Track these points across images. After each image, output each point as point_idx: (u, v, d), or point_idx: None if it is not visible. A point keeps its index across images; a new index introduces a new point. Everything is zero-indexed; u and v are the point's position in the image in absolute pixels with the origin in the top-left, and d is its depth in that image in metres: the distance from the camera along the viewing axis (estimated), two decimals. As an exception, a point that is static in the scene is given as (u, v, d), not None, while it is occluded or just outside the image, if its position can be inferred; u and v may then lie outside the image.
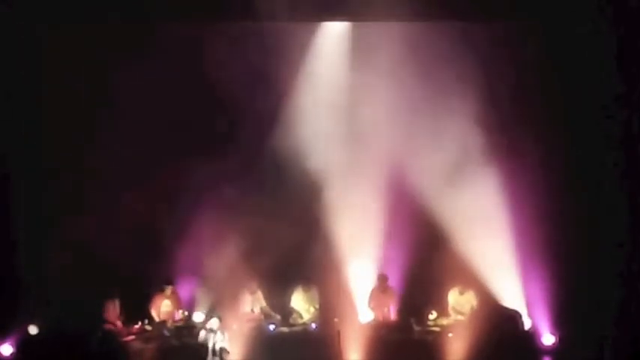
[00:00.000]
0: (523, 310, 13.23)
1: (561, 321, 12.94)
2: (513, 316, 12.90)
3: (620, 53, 13.08)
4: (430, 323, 13.37)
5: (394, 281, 13.93)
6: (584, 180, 13.37)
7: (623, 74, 13.12)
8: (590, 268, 13.10)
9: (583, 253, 13.14)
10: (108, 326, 12.98)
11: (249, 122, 13.92)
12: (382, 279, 13.76)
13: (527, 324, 13.10)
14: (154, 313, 13.45)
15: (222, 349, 11.97)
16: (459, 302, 13.59)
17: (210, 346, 12.03)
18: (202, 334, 12.15)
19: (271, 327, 13.19)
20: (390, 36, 13.73)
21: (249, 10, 12.78)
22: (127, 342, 12.74)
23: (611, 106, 13.21)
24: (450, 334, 12.82)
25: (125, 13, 13.05)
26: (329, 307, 13.43)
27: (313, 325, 13.33)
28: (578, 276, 13.09)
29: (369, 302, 13.70)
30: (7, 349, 12.57)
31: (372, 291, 13.77)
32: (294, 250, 13.47)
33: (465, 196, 13.85)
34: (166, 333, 13.02)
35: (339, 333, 12.66)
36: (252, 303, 13.59)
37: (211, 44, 13.39)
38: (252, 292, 13.63)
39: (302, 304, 13.70)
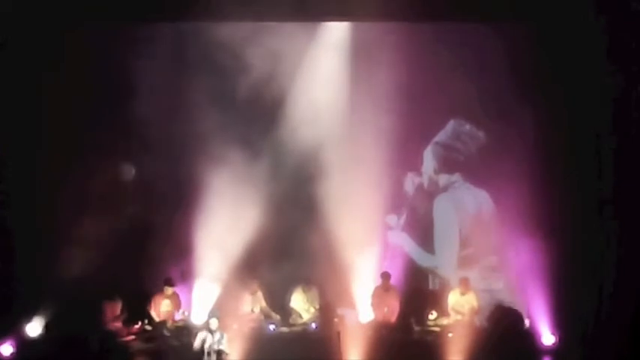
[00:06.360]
0: (523, 310, 13.25)
1: (561, 321, 12.97)
2: (514, 316, 12.92)
3: (616, 51, 13.10)
4: (430, 323, 13.39)
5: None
6: (583, 178, 13.40)
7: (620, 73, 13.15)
8: (591, 268, 13.13)
9: (583, 252, 13.17)
10: (108, 327, 12.98)
11: (248, 122, 13.94)
12: (385, 277, 13.74)
13: (527, 324, 13.10)
14: (153, 313, 13.44)
15: (220, 351, 11.93)
16: (459, 302, 13.59)
17: (203, 346, 11.94)
18: (199, 335, 12.10)
19: (271, 327, 13.19)
20: (390, 36, 13.77)
21: (250, 10, 12.82)
22: (127, 342, 12.76)
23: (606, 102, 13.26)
24: (450, 334, 12.84)
25: (126, 13, 13.08)
26: (329, 307, 13.45)
27: (313, 325, 13.33)
28: (579, 275, 13.13)
29: (371, 301, 13.69)
30: (7, 349, 12.56)
31: (375, 289, 13.77)
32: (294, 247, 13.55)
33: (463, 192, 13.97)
34: (166, 333, 13.03)
35: (339, 333, 12.66)
36: (252, 303, 13.59)
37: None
38: (252, 292, 13.63)
39: (302, 304, 13.69)
